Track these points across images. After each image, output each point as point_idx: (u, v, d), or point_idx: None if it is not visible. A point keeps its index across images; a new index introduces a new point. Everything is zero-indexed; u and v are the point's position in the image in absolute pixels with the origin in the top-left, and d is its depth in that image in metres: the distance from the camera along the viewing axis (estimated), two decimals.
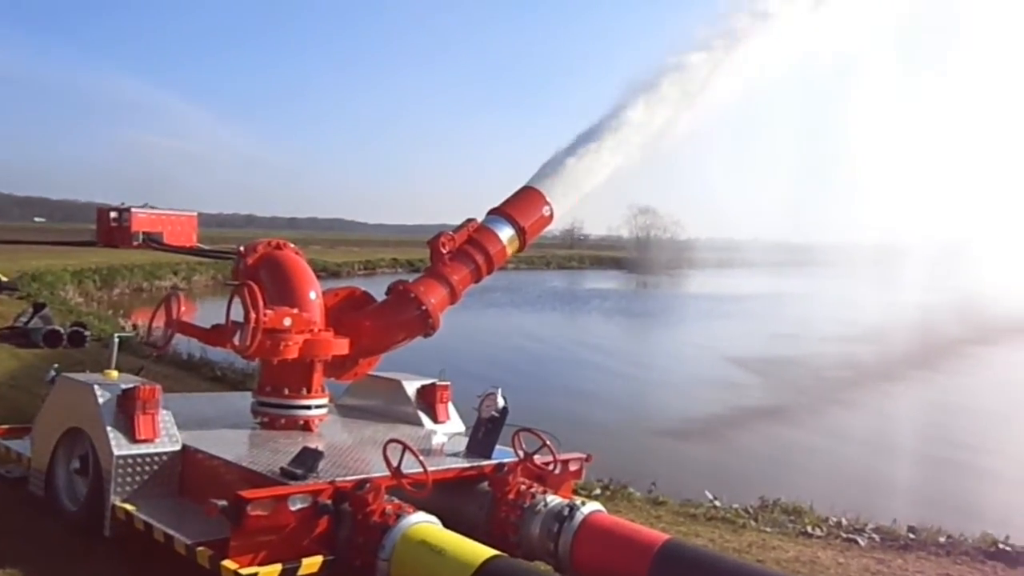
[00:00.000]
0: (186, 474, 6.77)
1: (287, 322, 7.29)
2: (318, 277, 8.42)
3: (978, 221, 45.21)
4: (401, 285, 8.41)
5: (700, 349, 31.77)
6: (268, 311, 7.16)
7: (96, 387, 6.77)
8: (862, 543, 8.77)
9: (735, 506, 9.87)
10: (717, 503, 9.94)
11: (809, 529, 9.13)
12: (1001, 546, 8.60)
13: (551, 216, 9.18)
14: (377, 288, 8.72)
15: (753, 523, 9.29)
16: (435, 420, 8.55)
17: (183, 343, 12.63)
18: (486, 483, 6.83)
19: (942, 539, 8.86)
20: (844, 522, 9.33)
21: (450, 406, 8.75)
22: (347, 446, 7.33)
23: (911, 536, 8.97)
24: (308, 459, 6.07)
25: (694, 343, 33.65)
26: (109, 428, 6.58)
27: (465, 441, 7.57)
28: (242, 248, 8.04)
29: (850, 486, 12.91)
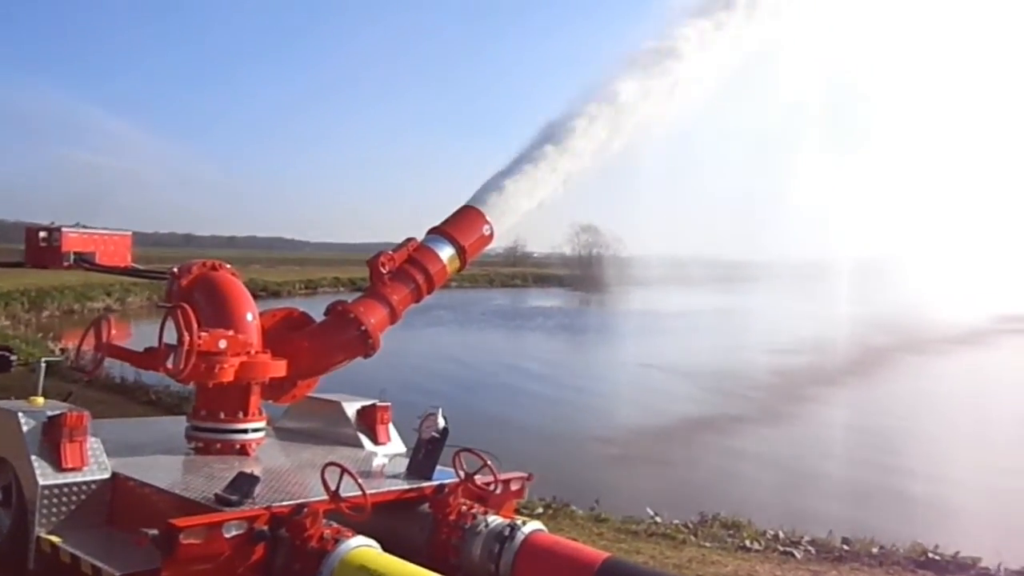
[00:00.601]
0: (116, 503, 6.55)
1: (222, 344, 7.15)
2: (258, 297, 8.29)
3: (901, 239, 46.91)
4: (340, 305, 8.34)
5: (641, 364, 32.08)
6: (202, 333, 7.01)
7: (20, 414, 6.53)
8: (798, 556, 8.95)
9: (676, 522, 9.99)
10: (658, 519, 10.04)
11: (748, 543, 9.29)
12: (931, 555, 8.87)
13: (491, 235, 9.23)
14: (318, 308, 8.63)
15: (693, 538, 9.41)
16: (375, 442, 8.45)
17: (117, 367, 12.29)
18: (427, 505, 6.77)
19: (875, 549, 9.11)
20: (781, 535, 9.51)
21: (391, 427, 8.67)
22: (285, 470, 7.20)
23: (845, 547, 9.19)
24: (244, 484, 5.94)
25: (635, 358, 33.97)
26: (34, 457, 6.33)
27: (406, 462, 7.50)
28: (176, 269, 7.87)
29: (788, 497, 13.18)
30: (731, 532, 9.70)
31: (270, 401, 8.25)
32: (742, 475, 15.64)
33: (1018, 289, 52.04)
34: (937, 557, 8.81)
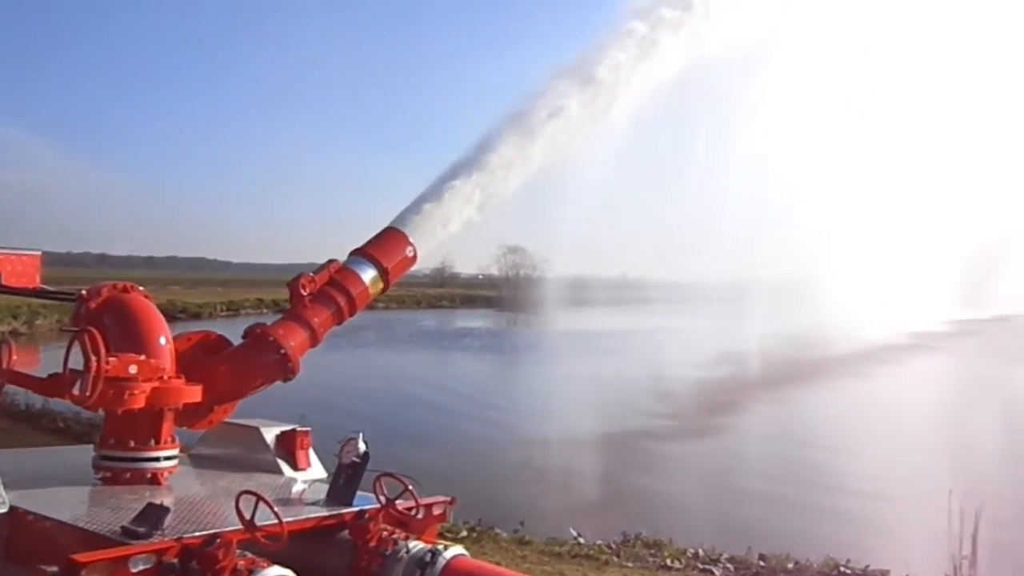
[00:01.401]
0: (14, 538, 6.21)
1: (132, 370, 6.89)
2: (177, 319, 8.07)
3: (816, 261, 48.65)
4: (259, 328, 8.14)
5: (565, 383, 32.34)
6: (111, 358, 6.75)
7: None
8: (717, 573, 9.11)
9: (599, 542, 10.06)
10: (581, 540, 10.10)
11: (669, 562, 9.42)
12: (843, 569, 9.15)
13: (415, 256, 9.17)
14: (240, 330, 8.40)
15: (616, 559, 9.49)
16: (295, 467, 8.24)
17: (22, 393, 11.72)
18: (346, 531, 6.65)
19: (790, 565, 9.34)
20: (701, 553, 9.67)
21: (311, 452, 8.47)
22: (198, 499, 6.96)
23: (761, 564, 9.40)
24: (153, 515, 5.72)
25: (559, 378, 34.24)
26: None
27: (326, 488, 7.35)
28: (84, 292, 7.57)
29: (706, 513, 13.41)
30: (652, 551, 9.83)
31: (185, 427, 7.99)
32: (662, 492, 15.86)
33: (926, 306, 54.79)
34: (848, 571, 9.08)
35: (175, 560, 5.47)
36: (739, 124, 43.14)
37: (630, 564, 9.31)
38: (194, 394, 7.47)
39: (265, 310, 61.36)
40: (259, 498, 5.81)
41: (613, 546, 9.92)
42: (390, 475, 6.87)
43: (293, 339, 8.04)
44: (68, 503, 6.52)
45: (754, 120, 43.05)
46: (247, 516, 5.81)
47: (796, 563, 9.37)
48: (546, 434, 21.96)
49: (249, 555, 5.62)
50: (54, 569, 5.04)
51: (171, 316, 7.83)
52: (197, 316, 56.87)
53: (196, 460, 8.42)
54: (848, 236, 48.14)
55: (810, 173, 45.46)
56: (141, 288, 7.88)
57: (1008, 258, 78.48)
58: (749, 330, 42.63)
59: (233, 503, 5.91)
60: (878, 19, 43.05)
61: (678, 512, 13.44)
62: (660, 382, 31.32)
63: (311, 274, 8.38)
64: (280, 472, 8.11)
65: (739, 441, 21.79)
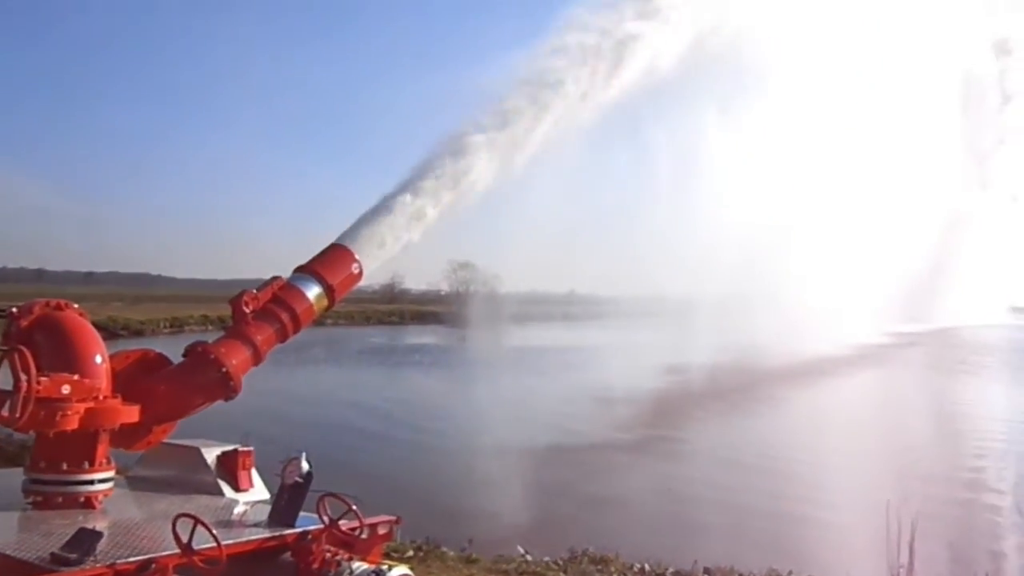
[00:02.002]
0: None
1: (66, 390, 6.69)
2: (118, 337, 7.88)
3: (765, 276, 49.58)
4: (200, 346, 7.98)
5: (514, 399, 32.36)
6: (42, 378, 6.54)
7: None
8: None
9: (546, 559, 10.04)
10: (529, 557, 10.07)
11: None
12: None
13: (361, 273, 9.11)
14: (183, 348, 8.21)
15: (563, 575, 9.47)
16: (237, 489, 8.06)
17: None
18: (289, 553, 6.53)
19: None
20: (647, 568, 9.72)
21: (254, 473, 8.31)
22: (134, 523, 6.77)
23: None
24: (85, 541, 5.55)
25: (508, 393, 34.25)
26: None
27: (268, 510, 7.21)
28: (15, 309, 7.33)
29: (654, 527, 13.51)
30: (600, 567, 9.85)
31: (122, 449, 7.77)
32: (609, 506, 15.93)
33: (870, 320, 56.28)
34: None
35: None
36: (691, 143, 44.23)
37: None
38: (131, 414, 7.28)
39: (211, 327, 60.07)
40: (197, 521, 5.68)
41: (560, 562, 9.92)
42: (334, 495, 6.78)
43: (235, 357, 7.90)
44: None
45: (705, 138, 44.16)
46: (184, 540, 5.67)
47: (740, 575, 9.48)
48: (494, 450, 21.89)
49: None
50: None
51: (111, 333, 7.63)
52: (139, 333, 55.59)
53: (133, 482, 8.20)
54: (795, 251, 49.13)
55: (757, 188, 46.38)
56: (76, 305, 7.67)
57: (947, 273, 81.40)
58: (696, 345, 43.21)
59: (170, 526, 5.77)
60: (831, 37, 44.77)
61: (625, 526, 13.51)
62: (606, 397, 31.57)
63: (254, 291, 8.26)
64: (221, 493, 7.93)
65: (684, 454, 22.03)
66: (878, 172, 56.64)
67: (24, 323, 7.19)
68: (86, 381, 6.90)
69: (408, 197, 9.29)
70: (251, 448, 8.37)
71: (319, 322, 8.87)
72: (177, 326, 64.49)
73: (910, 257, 67.40)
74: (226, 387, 7.85)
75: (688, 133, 42.84)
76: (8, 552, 5.73)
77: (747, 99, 41.61)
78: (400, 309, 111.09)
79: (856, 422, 27.63)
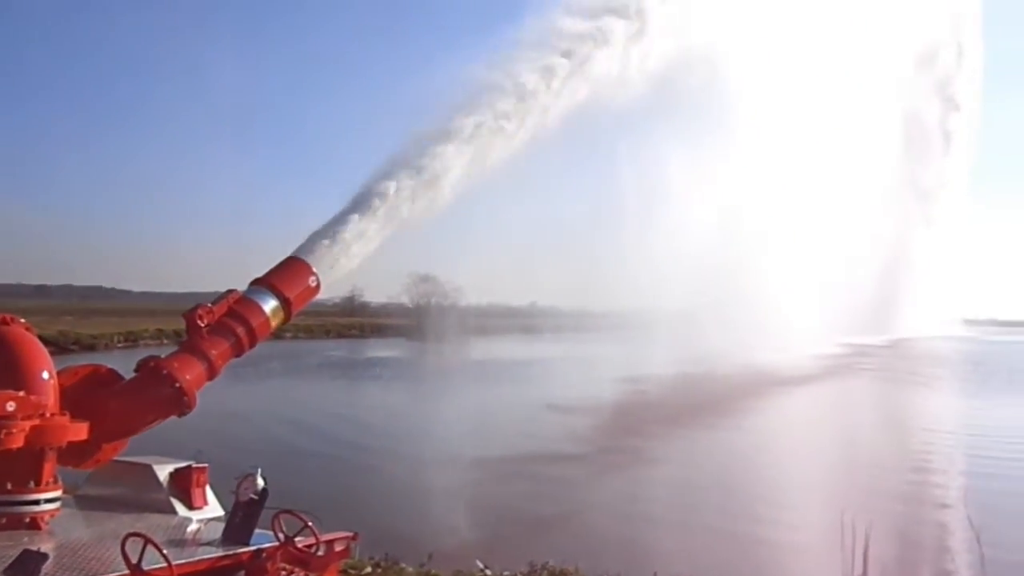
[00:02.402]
0: None
1: (10, 407, 6.52)
2: (68, 351, 7.66)
3: (725, 289, 50.28)
4: (152, 361, 7.84)
5: (473, 412, 32.29)
6: None
7: None
8: None
9: (505, 573, 10.00)
10: (488, 572, 10.01)
11: None
12: None
13: (318, 286, 9.03)
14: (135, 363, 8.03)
15: None
16: (190, 506, 7.92)
17: None
18: (243, 572, 6.43)
19: None
20: None
21: (208, 490, 8.16)
22: (82, 544, 6.60)
23: None
24: (29, 563, 5.40)
25: (467, 407, 34.17)
26: None
27: (222, 527, 7.08)
28: None
29: (613, 539, 13.53)
30: None
31: (71, 467, 7.58)
32: (569, 517, 15.94)
33: (828, 332, 57.33)
34: None
35: None
36: (652, 161, 44.80)
37: None
38: (79, 432, 7.12)
39: (166, 341, 58.88)
40: (147, 540, 5.56)
41: None
42: (289, 512, 6.69)
43: (189, 372, 7.78)
44: None
45: (666, 159, 44.76)
46: (133, 560, 5.55)
47: None
48: (453, 464, 21.78)
49: None
50: None
51: (62, 348, 7.42)
52: (92, 348, 54.30)
53: (82, 501, 8.00)
54: (754, 267, 49.86)
55: (716, 206, 47.04)
56: (23, 320, 7.49)
57: (901, 286, 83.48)
58: (655, 358, 43.62)
59: (120, 546, 5.63)
60: (788, 69, 45.91)
61: (584, 539, 13.52)
62: (563, 408, 31.70)
63: (209, 304, 8.14)
64: (174, 512, 7.78)
65: (640, 467, 22.12)
66: (833, 194, 57.71)
67: None
68: (32, 398, 6.75)
69: (367, 208, 9.24)
70: (205, 465, 8.24)
71: (277, 335, 8.77)
72: (131, 341, 63.13)
73: (865, 272, 68.97)
74: (180, 403, 7.72)
75: (650, 152, 43.55)
76: None
77: (708, 123, 42.42)
78: (360, 322, 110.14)
79: (808, 432, 28.10)
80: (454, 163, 9.75)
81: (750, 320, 46.95)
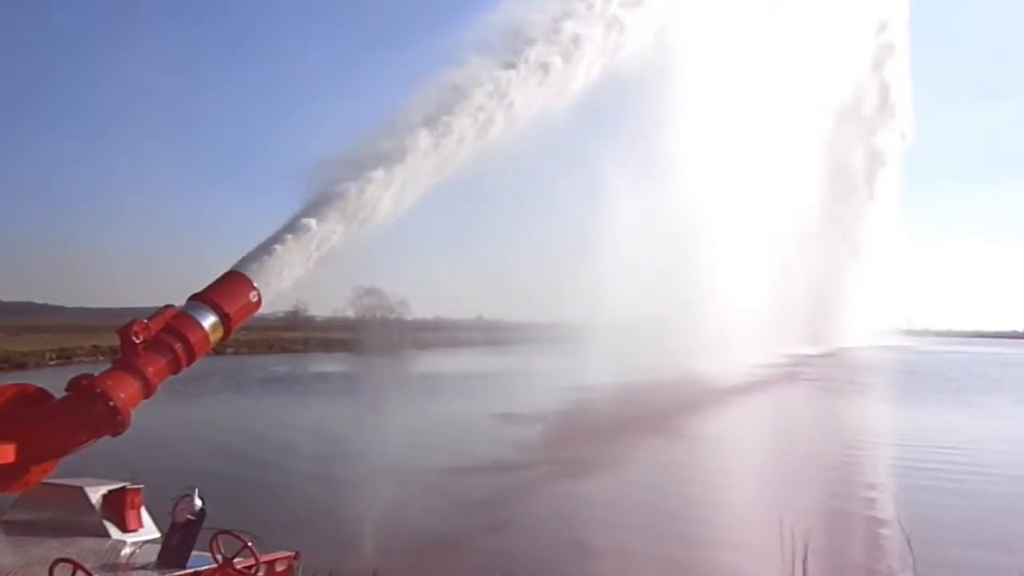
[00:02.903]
0: None
1: None
2: None
3: (653, 303, 51.18)
4: (84, 379, 7.58)
5: (417, 426, 32.10)
6: None
7: None
8: None
9: None
10: None
11: None
12: None
13: (259, 302, 8.87)
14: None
15: None
16: (125, 529, 7.70)
17: None
18: None
19: None
20: None
21: (143, 512, 7.94)
22: (7, 571, 6.36)
23: None
24: None
25: (412, 420, 33.95)
26: None
27: (158, 550, 6.89)
28: None
29: (560, 551, 13.52)
30: None
31: None
32: (513, 528, 15.91)
33: (768, 343, 58.55)
34: None
35: None
36: (596, 175, 45.33)
37: None
38: (6, 454, 6.87)
39: (102, 358, 57.16)
40: (76, 566, 5.38)
41: None
42: (228, 532, 6.55)
43: (123, 390, 7.55)
44: None
45: (609, 173, 45.33)
46: None
47: None
48: (397, 477, 21.56)
49: None
50: None
51: None
52: (22, 366, 52.56)
53: (9, 527, 7.71)
54: (699, 280, 50.62)
55: (660, 219, 47.71)
56: None
57: (842, 297, 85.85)
58: (599, 369, 43.98)
59: (47, 573, 5.44)
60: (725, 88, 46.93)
61: (530, 550, 13.51)
62: (506, 419, 31.79)
63: (145, 320, 7.93)
64: (107, 535, 7.56)
65: (583, 477, 22.22)
66: (768, 212, 58.77)
67: None
68: None
69: (310, 223, 9.14)
70: (141, 486, 8.01)
71: (218, 351, 8.58)
72: (65, 358, 61.16)
73: (803, 285, 70.64)
74: (113, 422, 7.49)
75: (593, 166, 44.15)
76: None
77: (652, 139, 43.27)
78: (305, 336, 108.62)
79: (748, 441, 28.63)
80: (385, 187, 9.75)
81: (693, 331, 47.70)
